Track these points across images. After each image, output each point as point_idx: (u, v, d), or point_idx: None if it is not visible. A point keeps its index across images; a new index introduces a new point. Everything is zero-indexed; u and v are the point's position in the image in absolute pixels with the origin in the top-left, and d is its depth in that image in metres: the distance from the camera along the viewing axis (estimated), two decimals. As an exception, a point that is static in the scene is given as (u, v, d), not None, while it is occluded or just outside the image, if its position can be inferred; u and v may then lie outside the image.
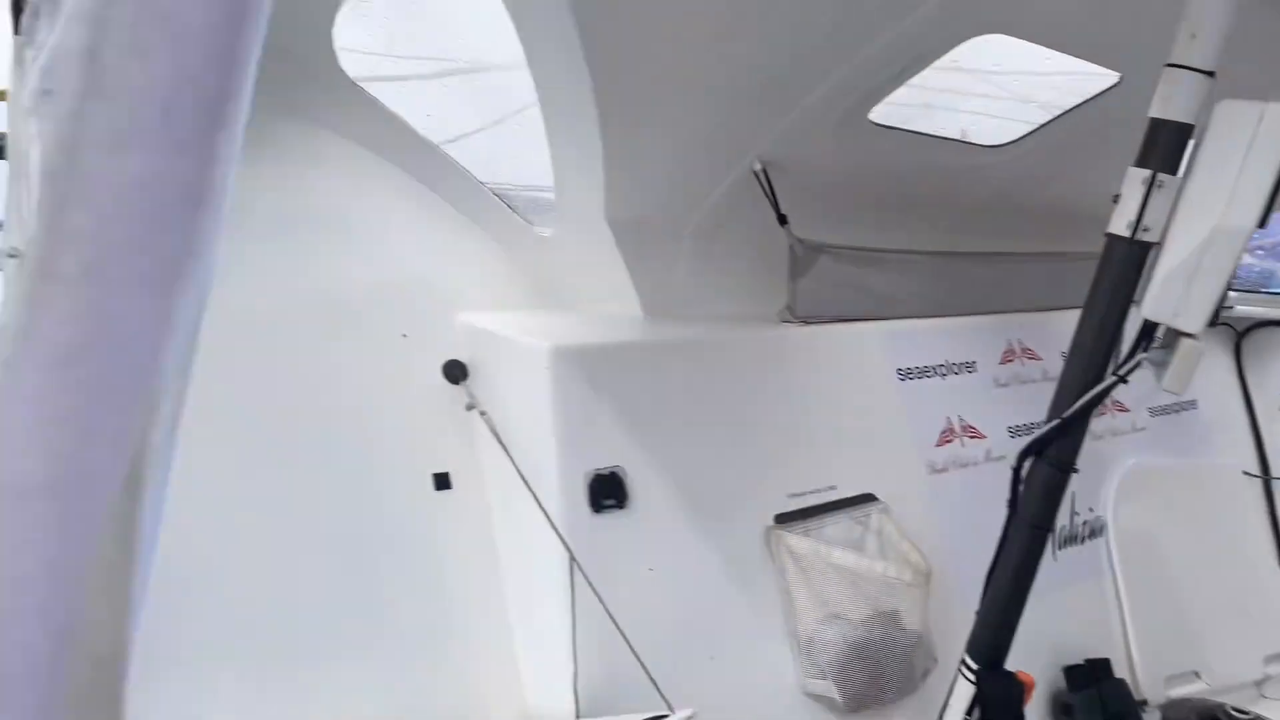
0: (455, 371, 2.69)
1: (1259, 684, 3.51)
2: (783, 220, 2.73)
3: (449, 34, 2.82)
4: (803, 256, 2.94)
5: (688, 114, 2.23)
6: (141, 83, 0.27)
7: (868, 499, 2.79)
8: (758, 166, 2.59)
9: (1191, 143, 1.69)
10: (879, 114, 2.39)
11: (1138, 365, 1.78)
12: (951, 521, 2.91)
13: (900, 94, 2.31)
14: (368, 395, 2.65)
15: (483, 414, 2.60)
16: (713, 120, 2.32)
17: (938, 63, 2.21)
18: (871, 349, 3.03)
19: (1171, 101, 1.67)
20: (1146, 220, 1.71)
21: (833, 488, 2.76)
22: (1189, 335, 1.72)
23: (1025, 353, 3.34)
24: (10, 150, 1.25)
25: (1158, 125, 1.70)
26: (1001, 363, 3.25)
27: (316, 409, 2.58)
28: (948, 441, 3.00)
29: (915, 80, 2.25)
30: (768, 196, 2.66)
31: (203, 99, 0.28)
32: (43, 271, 0.28)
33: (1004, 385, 3.22)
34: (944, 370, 3.10)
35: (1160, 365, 1.76)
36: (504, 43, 2.16)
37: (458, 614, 2.59)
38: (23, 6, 1.09)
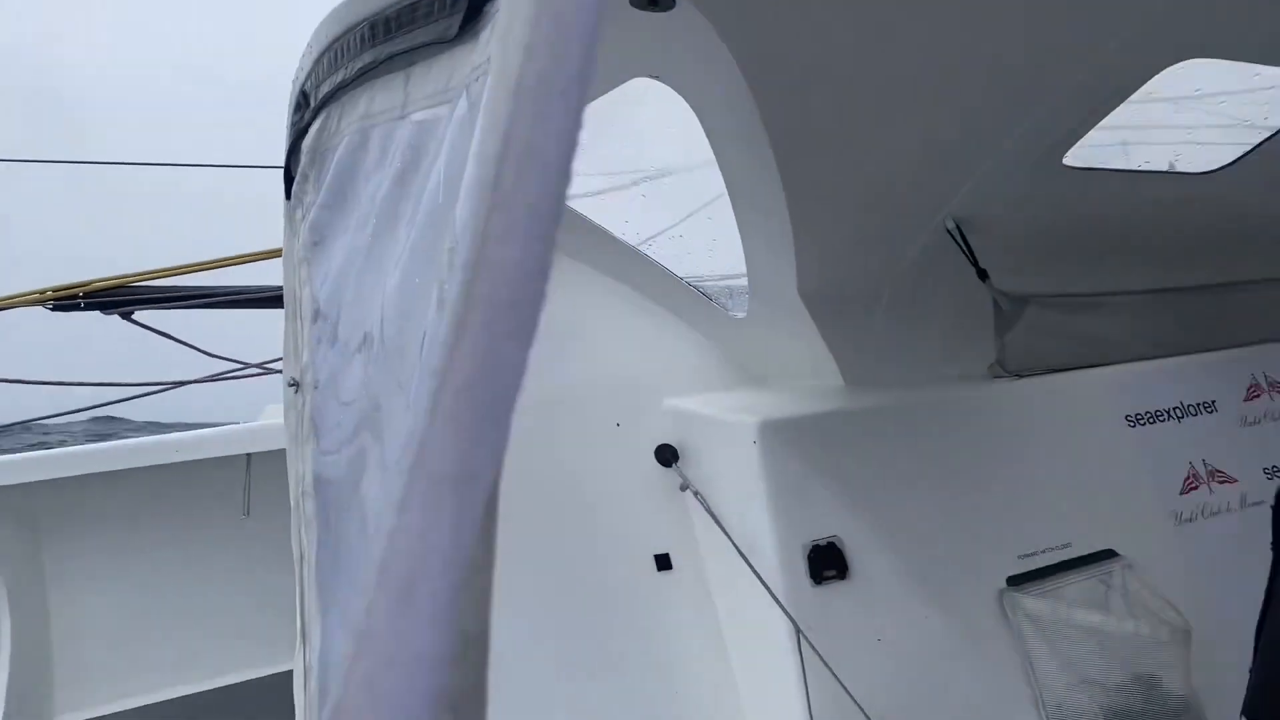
0: (667, 454, 2.91)
1: None
2: (983, 275, 2.86)
3: (638, 148, 2.95)
4: (1008, 309, 3.05)
5: (874, 182, 2.39)
6: (525, 194, 0.44)
7: (1108, 555, 2.89)
8: (951, 224, 2.70)
9: None
10: (1074, 158, 2.58)
11: None
12: (1209, 574, 3.00)
13: (1094, 136, 2.48)
14: (588, 484, 2.86)
15: (696, 493, 2.78)
16: (900, 185, 2.47)
17: (1133, 99, 2.36)
18: (1094, 397, 3.14)
19: None
20: None
21: (1067, 545, 2.87)
22: None
23: (1273, 386, 3.40)
24: (286, 297, 1.58)
25: None
26: (1247, 400, 3.34)
27: (540, 501, 2.77)
28: (1193, 489, 3.12)
29: (1109, 121, 2.43)
30: (965, 253, 2.76)
31: (552, 199, 0.44)
32: (459, 325, 0.43)
33: (1252, 424, 3.32)
34: (1179, 413, 3.20)
35: None
36: (690, 147, 2.38)
37: (687, 694, 2.73)
38: (294, 176, 1.48)
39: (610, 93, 2.32)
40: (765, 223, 2.49)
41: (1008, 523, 2.78)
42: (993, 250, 2.79)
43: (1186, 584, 2.88)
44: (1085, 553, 2.82)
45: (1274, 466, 3.16)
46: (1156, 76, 2.25)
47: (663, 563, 2.87)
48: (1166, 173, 2.85)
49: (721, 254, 2.98)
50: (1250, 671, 1.97)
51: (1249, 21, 2.11)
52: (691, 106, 2.20)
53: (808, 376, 3.12)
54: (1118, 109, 2.36)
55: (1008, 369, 3.04)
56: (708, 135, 2.31)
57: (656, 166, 3.14)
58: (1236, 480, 3.13)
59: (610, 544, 2.86)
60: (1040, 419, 2.97)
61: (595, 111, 2.49)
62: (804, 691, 2.38)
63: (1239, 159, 2.81)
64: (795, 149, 2.13)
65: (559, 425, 2.95)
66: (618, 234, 3.09)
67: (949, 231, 2.67)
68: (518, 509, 2.77)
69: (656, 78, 2.13)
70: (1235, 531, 3.05)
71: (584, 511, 2.87)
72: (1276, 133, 2.71)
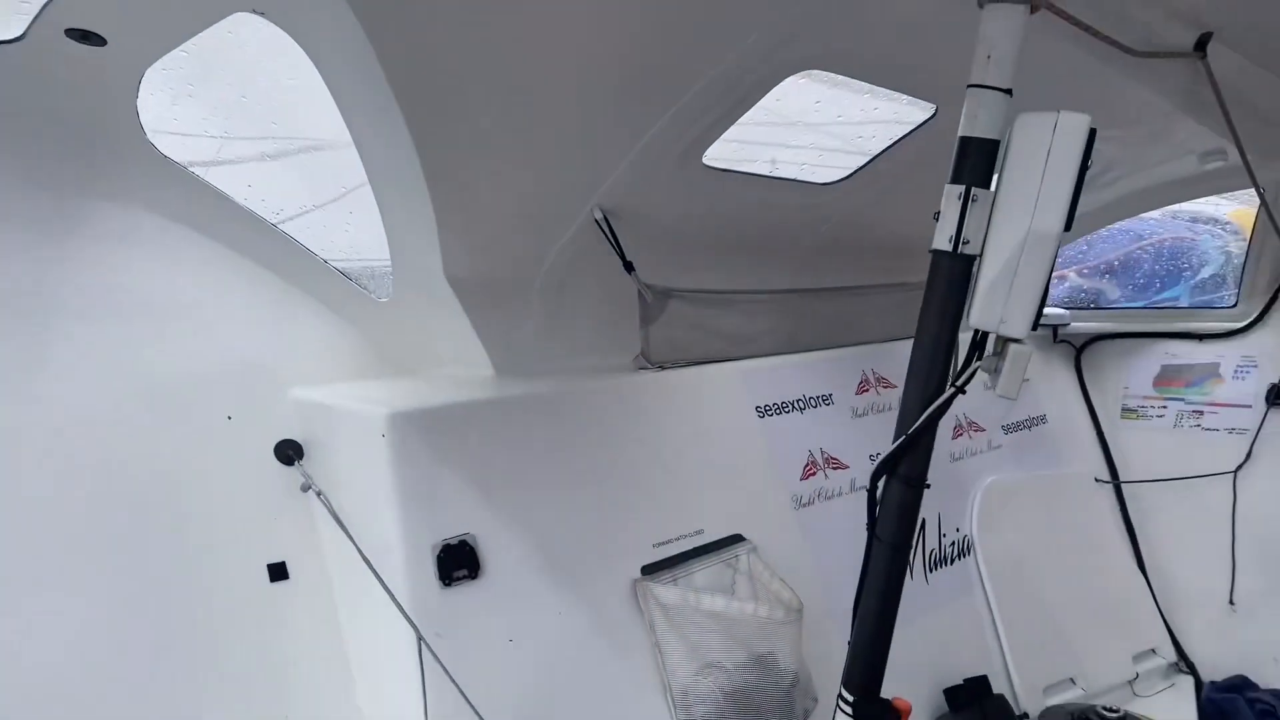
0: (289, 451, 2.66)
1: (1131, 683, 4.01)
2: (629, 267, 2.85)
3: (286, 116, 2.60)
4: (652, 302, 3.06)
5: (516, 167, 2.33)
6: None
7: (736, 540, 2.98)
8: (599, 215, 2.67)
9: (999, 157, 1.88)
10: (715, 159, 2.66)
11: (973, 375, 1.95)
12: (822, 554, 3.19)
13: (739, 150, 2.62)
14: (192, 487, 2.58)
15: (319, 494, 2.55)
16: (542, 172, 2.41)
17: (767, 116, 2.50)
18: (728, 389, 3.23)
19: (977, 120, 1.86)
20: (966, 233, 1.88)
21: (699, 532, 2.91)
22: (1016, 341, 1.90)
23: (880, 381, 3.68)
24: None
25: (966, 143, 1.89)
26: (858, 393, 3.59)
27: (137, 506, 2.50)
28: (811, 474, 3.32)
29: (749, 136, 2.56)
30: (612, 244, 2.74)
31: None
32: None
33: (862, 415, 3.57)
34: (802, 405, 3.39)
35: (995, 374, 1.94)
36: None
37: (305, 713, 2.56)
38: None
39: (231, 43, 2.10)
40: (406, 201, 2.34)
41: (645, 512, 2.82)
42: (639, 243, 2.82)
43: (802, 563, 3.10)
44: (716, 538, 2.93)
45: (877, 453, 3.37)
46: (785, 96, 2.40)
47: (277, 572, 2.62)
48: (792, 181, 3.05)
49: (366, 232, 2.74)
50: (849, 644, 2.11)
51: (853, 42, 2.30)
52: (309, 56, 1.97)
53: (458, 365, 3.00)
54: (757, 124, 2.51)
55: (651, 361, 3.10)
56: (333, 96, 2.10)
57: (306, 139, 2.89)
58: (848, 466, 3.43)
59: (216, 554, 2.56)
60: (680, 410, 3.05)
61: (197, 50, 2.17)
62: (423, 701, 2.24)
63: (848, 176, 3.11)
64: (429, 122, 2.00)
65: (157, 418, 2.58)
66: (241, 201, 2.77)
67: (597, 222, 2.66)
68: (98, 513, 2.47)
69: (261, 14, 1.87)
70: (845, 512, 3.34)
71: (184, 518, 2.54)
72: (874, 158, 3.05)
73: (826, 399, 3.47)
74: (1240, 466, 4.00)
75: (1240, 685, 3.87)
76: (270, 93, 2.54)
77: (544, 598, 2.52)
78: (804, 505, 3.24)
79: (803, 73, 2.42)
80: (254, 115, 2.66)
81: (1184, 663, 4.07)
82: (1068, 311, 4.55)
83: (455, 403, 2.54)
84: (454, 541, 2.38)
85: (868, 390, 3.62)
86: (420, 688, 2.24)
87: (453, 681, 2.24)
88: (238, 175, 2.78)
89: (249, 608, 2.56)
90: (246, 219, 2.75)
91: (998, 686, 3.44)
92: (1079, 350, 4.57)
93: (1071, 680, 3.69)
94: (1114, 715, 2.64)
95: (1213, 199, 4.65)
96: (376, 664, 2.55)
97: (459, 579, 2.37)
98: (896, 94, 2.67)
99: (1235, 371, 4.11)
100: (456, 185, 2.23)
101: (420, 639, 2.25)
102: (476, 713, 2.26)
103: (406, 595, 2.30)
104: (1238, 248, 4.38)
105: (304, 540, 2.65)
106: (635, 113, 2.28)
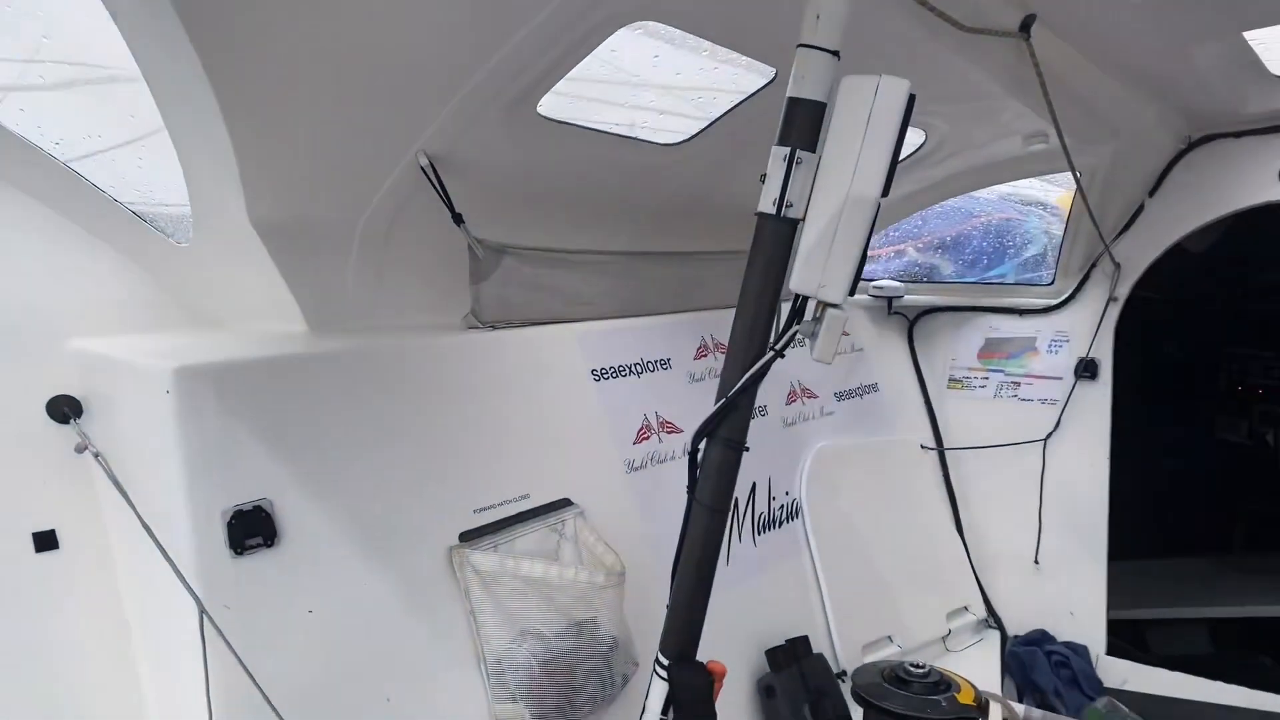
0: (64, 408, 2.38)
1: (944, 639, 4.17)
2: (458, 219, 2.70)
3: (61, 32, 2.24)
4: (484, 258, 2.91)
5: (326, 102, 2.15)
6: None
7: (563, 504, 2.90)
8: (424, 161, 2.50)
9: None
10: (552, 110, 2.54)
11: (791, 340, 1.94)
12: (652, 517, 3.13)
13: (577, 104, 2.55)
14: None
15: (96, 455, 2.32)
16: (356, 109, 2.24)
17: (604, 70, 2.43)
18: (563, 351, 3.12)
19: (805, 81, 1.83)
20: (790, 196, 1.86)
21: (525, 496, 2.82)
22: (834, 306, 1.87)
23: (718, 347, 3.64)
24: None
25: (794, 104, 1.85)
26: (696, 358, 3.56)
27: None
28: (645, 439, 3.28)
29: (588, 91, 2.49)
30: (439, 193, 2.59)
31: None
32: None
33: (699, 380, 3.53)
34: (639, 369, 3.34)
35: (814, 338, 1.92)
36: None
37: (80, 695, 2.34)
38: None
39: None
40: (201, 133, 2.10)
41: (468, 477, 2.71)
42: (470, 195, 2.68)
43: (631, 527, 3.07)
44: (542, 503, 2.86)
45: (710, 417, 3.59)
46: (621, 48, 2.35)
47: (44, 542, 2.35)
48: (631, 139, 2.98)
49: (162, 169, 2.44)
50: (667, 607, 2.10)
51: None
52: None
53: (268, 319, 2.76)
54: (601, 80, 2.49)
55: (482, 320, 2.98)
56: (114, 19, 1.85)
57: (97, 63, 2.48)
58: (682, 430, 3.43)
59: None
60: (511, 372, 2.95)
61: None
62: (205, 678, 2.08)
63: (689, 139, 3.06)
64: (221, 47, 1.79)
65: None
66: (15, 129, 2.42)
67: (423, 169, 2.49)
68: None
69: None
70: (677, 476, 3.26)
71: None
72: (715, 121, 3.00)
73: (664, 363, 3.46)
74: (1050, 435, 4.26)
75: (1039, 639, 4.16)
76: (38, 4, 2.22)
77: (349, 566, 2.39)
78: (636, 469, 3.22)
79: (637, 25, 2.33)
80: (20, 31, 2.31)
81: (992, 619, 4.33)
82: (902, 285, 4.68)
83: (254, 359, 2.35)
84: (247, 507, 2.21)
85: (706, 355, 3.63)
86: (202, 664, 2.07)
87: (235, 656, 2.09)
88: (7, 99, 2.43)
89: (11, 582, 2.30)
90: (20, 148, 2.42)
91: (819, 646, 3.53)
92: (912, 322, 4.75)
93: (889, 638, 3.84)
94: (920, 671, 2.75)
95: (1043, 185, 4.89)
96: (159, 640, 2.36)
97: (252, 547, 2.20)
98: (736, 55, 2.60)
99: (1049, 345, 4.37)
100: (258, 119, 2.04)
101: (202, 611, 2.08)
102: (259, 688, 2.11)
103: (192, 565, 2.12)
104: (1058, 229, 4.62)
105: (80, 506, 2.40)
106: (457, 54, 2.14)
